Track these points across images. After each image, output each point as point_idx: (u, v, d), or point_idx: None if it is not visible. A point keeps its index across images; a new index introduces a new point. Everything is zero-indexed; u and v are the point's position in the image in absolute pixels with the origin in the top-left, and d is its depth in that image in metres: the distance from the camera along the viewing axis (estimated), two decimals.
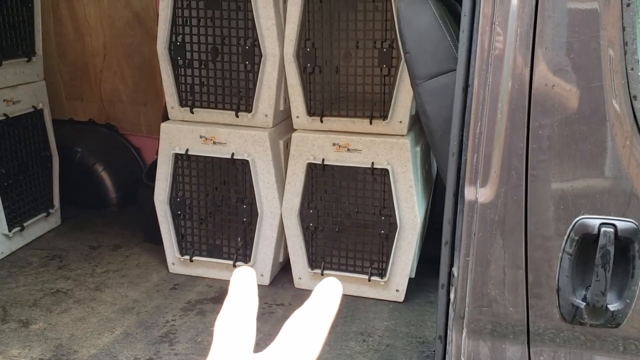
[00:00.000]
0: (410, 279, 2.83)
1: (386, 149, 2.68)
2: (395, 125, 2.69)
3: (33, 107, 3.40)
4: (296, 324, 0.40)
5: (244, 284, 0.42)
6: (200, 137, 2.87)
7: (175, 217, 3.01)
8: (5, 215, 3.22)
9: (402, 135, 2.71)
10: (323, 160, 2.75)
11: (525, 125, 1.28)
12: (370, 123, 2.70)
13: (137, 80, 3.98)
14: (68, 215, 3.80)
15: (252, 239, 2.93)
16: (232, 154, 2.83)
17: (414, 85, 1.75)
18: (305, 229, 2.86)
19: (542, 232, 1.32)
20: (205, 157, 2.90)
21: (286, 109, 2.90)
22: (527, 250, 1.34)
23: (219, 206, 2.97)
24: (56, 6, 3.94)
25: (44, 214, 3.54)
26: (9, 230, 3.24)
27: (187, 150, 2.89)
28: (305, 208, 2.83)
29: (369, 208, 2.78)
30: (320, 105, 2.79)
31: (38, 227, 3.53)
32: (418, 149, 2.82)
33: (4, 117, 3.17)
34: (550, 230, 1.31)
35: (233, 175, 2.92)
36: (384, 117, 2.68)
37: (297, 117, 2.81)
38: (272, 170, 2.84)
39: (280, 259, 3.07)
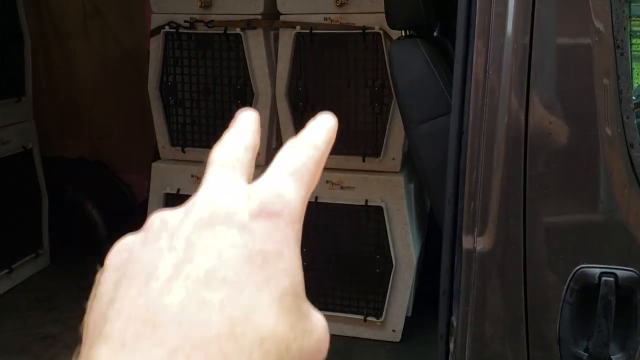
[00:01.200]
0: (406, 317, 2.79)
1: (379, 186, 2.67)
2: (388, 163, 2.68)
3: (22, 147, 3.37)
4: (290, 149, 0.36)
5: (247, 121, 0.39)
6: (192, 176, 2.85)
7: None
8: None
9: (396, 172, 2.69)
10: (316, 198, 2.72)
11: (522, 173, 1.26)
12: (363, 160, 2.69)
13: (128, 117, 3.96)
14: (57, 254, 3.74)
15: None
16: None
17: (407, 128, 1.74)
18: None
19: (542, 281, 1.30)
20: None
21: (279, 148, 2.89)
22: (527, 300, 1.31)
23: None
24: (46, 44, 3.94)
25: (33, 255, 3.49)
26: None
27: (178, 190, 2.86)
28: None
29: (363, 246, 2.74)
30: None
31: (27, 268, 3.47)
32: (412, 185, 2.81)
33: None
34: (550, 280, 1.29)
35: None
36: (377, 154, 2.66)
37: None
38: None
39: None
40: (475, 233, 1.32)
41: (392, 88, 1.87)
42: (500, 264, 1.32)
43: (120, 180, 4.13)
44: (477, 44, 1.26)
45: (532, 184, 1.26)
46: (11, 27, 3.28)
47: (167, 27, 2.76)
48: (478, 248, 1.32)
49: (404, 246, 2.67)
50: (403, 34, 1.82)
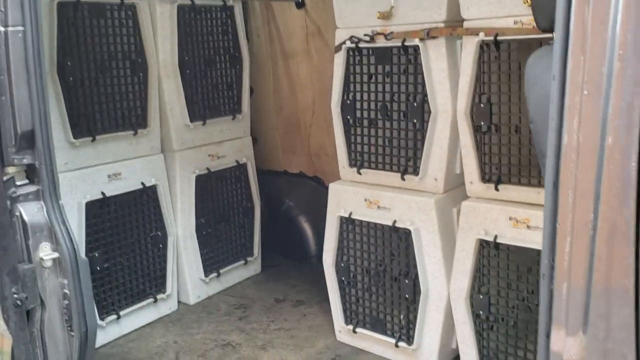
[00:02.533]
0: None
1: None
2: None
3: (236, 161, 3.59)
4: None
5: None
6: (365, 200, 2.66)
7: (340, 282, 2.83)
8: (202, 261, 3.43)
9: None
10: (495, 237, 2.29)
11: None
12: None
13: None
14: (269, 263, 3.91)
15: (415, 319, 2.58)
16: (394, 221, 2.54)
17: (541, 164, 1.29)
18: (475, 316, 2.41)
19: None
20: (368, 222, 2.67)
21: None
22: None
23: (383, 277, 2.69)
24: (275, 65, 4.17)
25: (242, 262, 3.69)
26: (205, 276, 3.44)
27: (350, 213, 2.70)
28: (476, 292, 2.39)
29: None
30: (497, 170, 2.34)
31: (237, 273, 3.69)
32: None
33: (206, 171, 3.40)
34: None
35: (396, 245, 2.62)
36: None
37: (471, 183, 2.41)
38: (439, 244, 2.47)
39: (453, 346, 2.64)
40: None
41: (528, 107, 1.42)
42: None
43: None
44: None
45: None
46: (233, 50, 3.52)
47: (347, 42, 2.63)
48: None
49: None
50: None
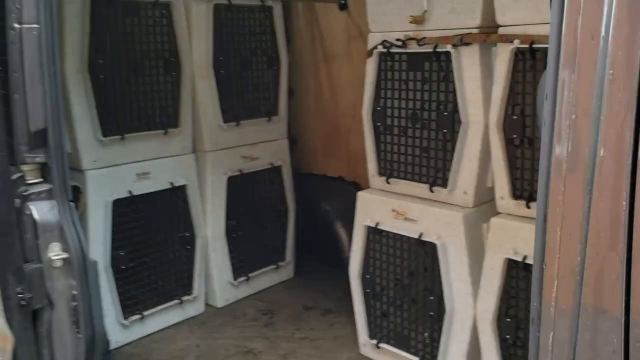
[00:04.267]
0: None
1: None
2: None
3: (270, 163, 3.54)
4: None
5: None
6: (393, 210, 2.55)
7: (365, 294, 2.73)
8: (231, 265, 3.40)
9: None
10: (525, 257, 2.14)
11: None
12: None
13: None
14: (305, 268, 3.85)
15: (439, 337, 2.45)
16: (420, 234, 2.43)
17: None
18: (502, 340, 2.27)
19: None
20: (394, 234, 2.56)
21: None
22: None
23: (408, 292, 2.58)
24: (317, 67, 4.10)
25: (274, 267, 3.64)
26: (234, 279, 3.41)
27: (377, 223, 2.60)
28: (503, 315, 2.25)
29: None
30: (529, 186, 2.19)
31: (268, 278, 3.64)
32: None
33: (238, 173, 3.36)
34: None
35: (422, 259, 2.50)
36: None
37: (502, 198, 2.26)
38: (467, 260, 2.34)
39: None
40: None
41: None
42: None
43: None
44: None
45: None
46: (271, 51, 3.48)
47: (379, 47, 2.53)
48: None
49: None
50: None
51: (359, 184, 4.08)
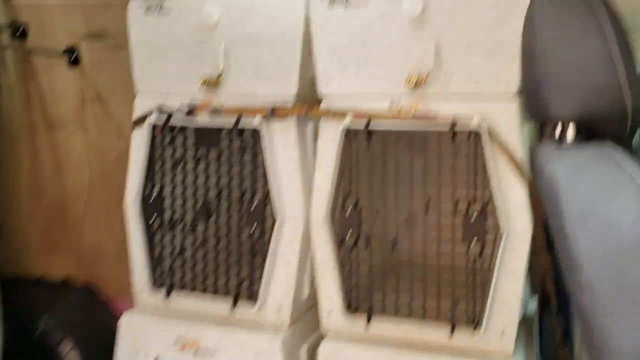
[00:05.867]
0: None
1: None
2: (492, 339, 1.60)
3: None
4: None
5: None
6: (178, 339, 1.84)
7: None
8: None
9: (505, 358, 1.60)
10: None
11: None
12: (452, 332, 1.62)
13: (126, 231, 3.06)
14: None
15: None
16: None
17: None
18: None
19: None
20: None
21: (312, 294, 1.88)
22: None
23: None
24: (34, 135, 3.16)
25: None
26: None
27: (156, 358, 1.85)
28: None
29: None
30: (368, 298, 1.74)
31: None
32: None
33: None
34: None
35: None
36: (476, 324, 1.60)
37: (329, 313, 1.76)
38: None
39: None
40: None
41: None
42: None
43: (114, 311, 3.17)
44: None
45: None
46: None
47: (152, 116, 1.87)
48: None
49: None
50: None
51: (93, 288, 3.20)
